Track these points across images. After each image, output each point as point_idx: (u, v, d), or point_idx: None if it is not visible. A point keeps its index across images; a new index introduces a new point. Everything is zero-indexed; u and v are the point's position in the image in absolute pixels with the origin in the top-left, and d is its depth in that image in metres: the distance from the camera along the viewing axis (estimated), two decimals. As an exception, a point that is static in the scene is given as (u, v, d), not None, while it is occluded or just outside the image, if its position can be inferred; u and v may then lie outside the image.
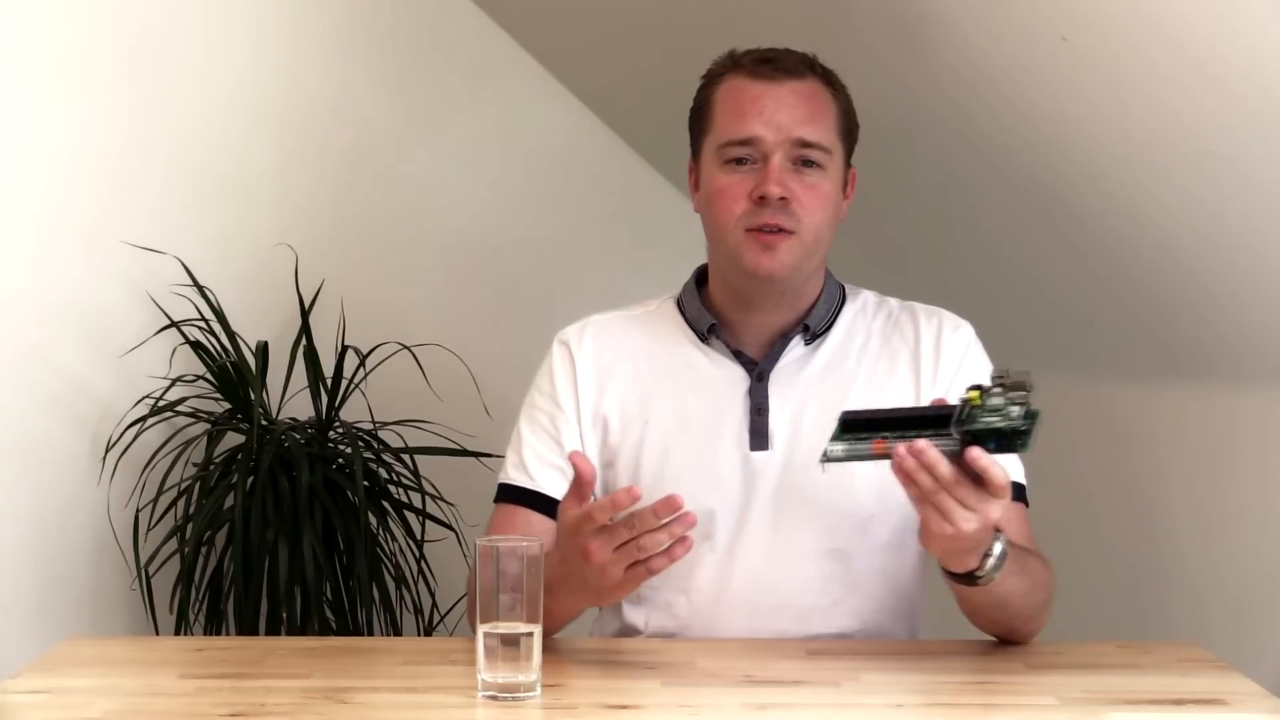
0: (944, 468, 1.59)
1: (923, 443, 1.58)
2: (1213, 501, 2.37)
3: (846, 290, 1.99)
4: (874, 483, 1.88)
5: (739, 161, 1.88)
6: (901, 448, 1.59)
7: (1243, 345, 2.24)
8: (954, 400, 1.63)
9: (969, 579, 1.71)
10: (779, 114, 1.87)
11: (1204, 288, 2.21)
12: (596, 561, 1.65)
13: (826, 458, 1.64)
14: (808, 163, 1.87)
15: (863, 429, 1.64)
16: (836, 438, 1.64)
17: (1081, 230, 2.33)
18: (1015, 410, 1.58)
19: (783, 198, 1.85)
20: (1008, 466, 1.89)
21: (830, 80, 1.92)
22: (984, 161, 2.36)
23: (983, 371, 1.92)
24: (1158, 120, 2.03)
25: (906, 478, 1.61)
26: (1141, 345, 2.44)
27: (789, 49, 1.92)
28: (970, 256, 2.60)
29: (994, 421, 1.57)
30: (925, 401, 1.89)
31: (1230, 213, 2.07)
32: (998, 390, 1.59)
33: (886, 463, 1.87)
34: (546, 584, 1.65)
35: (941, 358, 1.92)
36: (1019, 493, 1.90)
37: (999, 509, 1.61)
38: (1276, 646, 2.18)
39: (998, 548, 1.70)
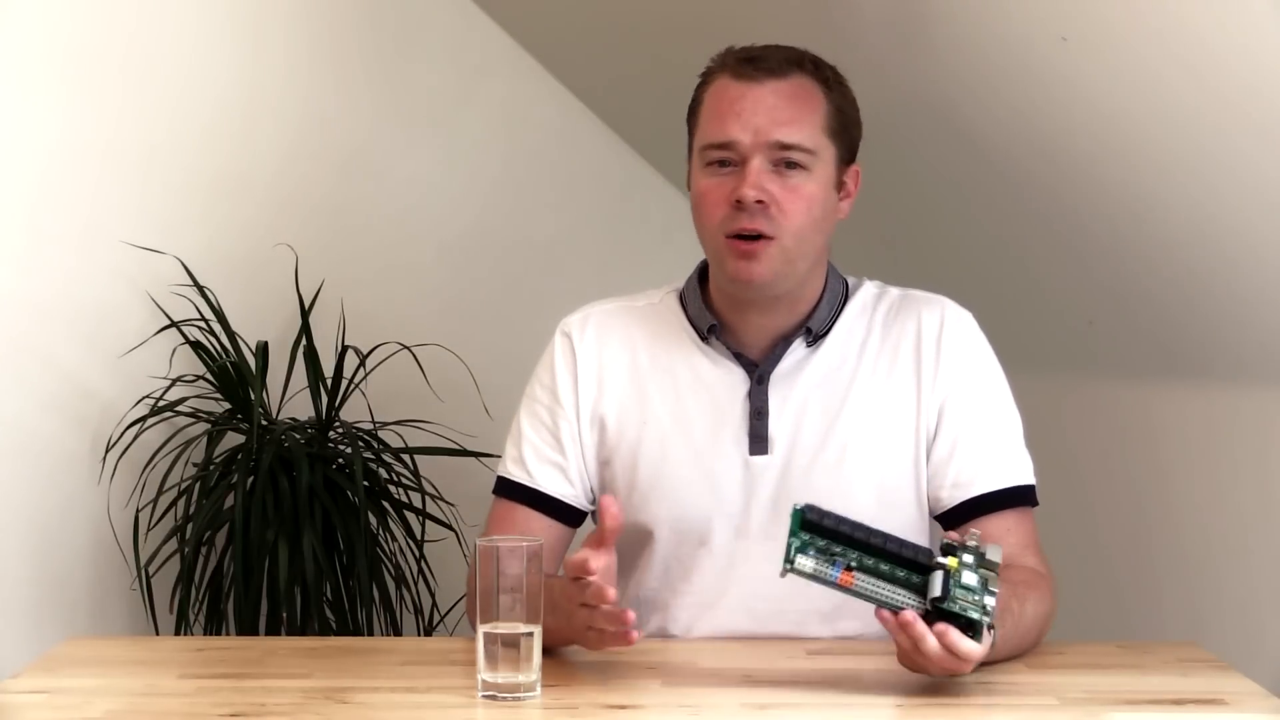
0: (930, 644, 1.58)
1: (909, 615, 1.57)
2: (1213, 501, 2.37)
3: (849, 285, 1.95)
4: (874, 488, 1.87)
5: (721, 164, 1.84)
6: (888, 616, 1.59)
7: (1242, 345, 2.24)
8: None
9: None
10: (757, 116, 1.82)
11: (1204, 288, 2.21)
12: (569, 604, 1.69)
13: (792, 568, 1.61)
14: (790, 164, 1.83)
15: (823, 535, 1.61)
16: (797, 537, 1.61)
17: (1081, 231, 2.34)
18: (989, 601, 1.58)
19: (760, 201, 1.81)
20: (1019, 468, 1.89)
21: (822, 77, 1.87)
22: (984, 162, 2.36)
23: (980, 367, 1.91)
24: (1157, 121, 2.03)
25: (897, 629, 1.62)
26: (1141, 345, 2.44)
27: (779, 45, 1.88)
28: (970, 257, 2.60)
29: (969, 609, 1.58)
30: (925, 399, 1.89)
31: (1229, 213, 2.07)
32: (971, 560, 1.59)
33: (886, 466, 1.89)
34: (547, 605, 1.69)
35: (943, 352, 1.89)
36: (1026, 496, 1.89)
37: (969, 665, 1.60)
38: (1276, 646, 2.18)
39: (986, 641, 1.66)
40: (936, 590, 1.57)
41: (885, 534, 1.62)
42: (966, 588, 1.58)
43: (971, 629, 1.57)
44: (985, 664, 1.70)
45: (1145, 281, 2.30)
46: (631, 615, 1.63)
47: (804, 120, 1.84)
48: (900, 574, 1.60)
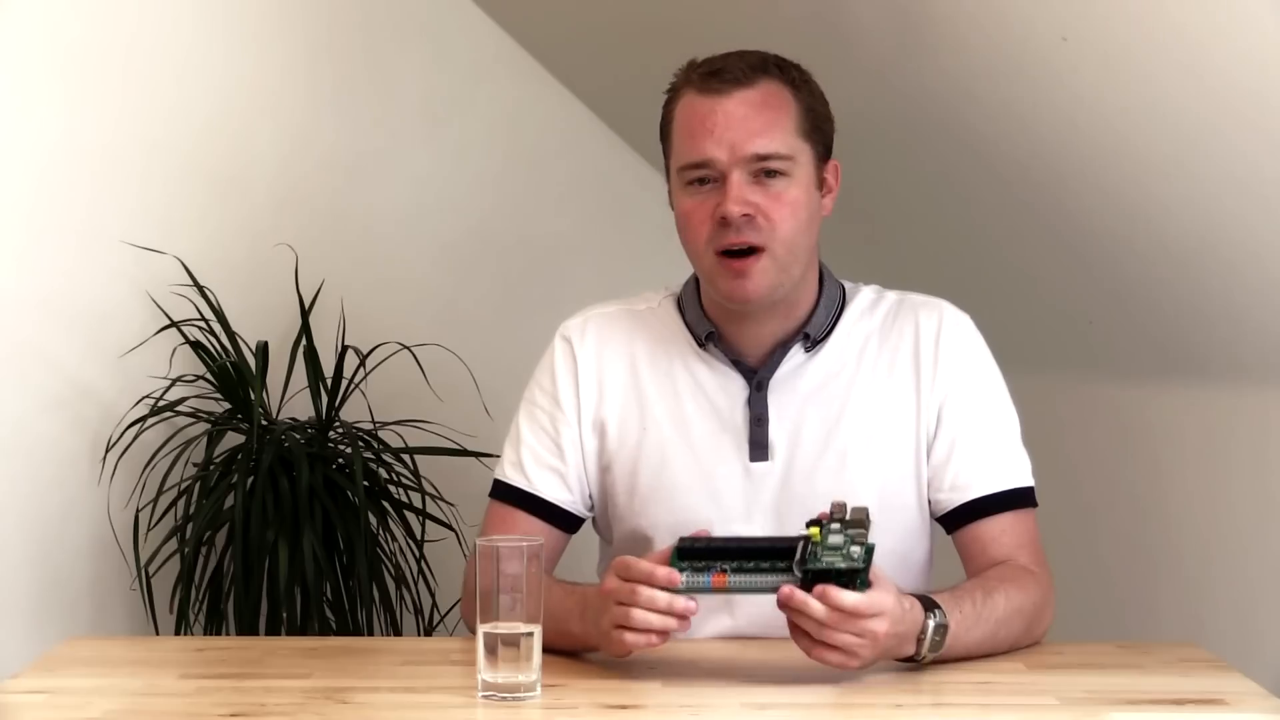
0: (814, 608, 1.59)
1: (787, 589, 1.60)
2: (1211, 501, 2.37)
3: (846, 290, 1.94)
4: (875, 493, 1.86)
5: (701, 181, 1.83)
6: (777, 600, 1.62)
7: (1241, 346, 2.24)
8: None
9: (913, 660, 1.70)
10: (729, 131, 1.81)
11: (1202, 289, 2.22)
12: (604, 594, 1.68)
13: (672, 590, 1.65)
14: (770, 173, 1.82)
15: (700, 558, 1.66)
16: (675, 567, 1.65)
17: (1080, 231, 2.34)
18: (856, 550, 1.62)
19: (746, 215, 1.80)
20: (1017, 470, 1.89)
21: (789, 78, 1.85)
22: (983, 163, 2.36)
23: (978, 370, 1.91)
24: (1157, 122, 2.03)
25: (793, 627, 1.63)
26: (1140, 346, 2.44)
27: (742, 52, 1.86)
28: (970, 257, 2.60)
29: (835, 562, 1.62)
30: (925, 401, 1.89)
31: (1228, 214, 2.07)
32: (836, 526, 1.63)
33: (887, 470, 1.88)
34: (564, 610, 1.72)
35: (941, 355, 1.89)
36: (1024, 497, 1.89)
37: (883, 623, 1.61)
38: (1276, 646, 2.18)
39: (931, 625, 1.67)
40: (798, 557, 1.62)
41: (757, 538, 1.70)
42: (832, 546, 1.62)
43: (852, 581, 1.60)
44: (965, 659, 1.72)
45: (1143, 282, 2.30)
46: (689, 606, 1.64)
47: (777, 127, 1.82)
48: (780, 565, 1.64)
